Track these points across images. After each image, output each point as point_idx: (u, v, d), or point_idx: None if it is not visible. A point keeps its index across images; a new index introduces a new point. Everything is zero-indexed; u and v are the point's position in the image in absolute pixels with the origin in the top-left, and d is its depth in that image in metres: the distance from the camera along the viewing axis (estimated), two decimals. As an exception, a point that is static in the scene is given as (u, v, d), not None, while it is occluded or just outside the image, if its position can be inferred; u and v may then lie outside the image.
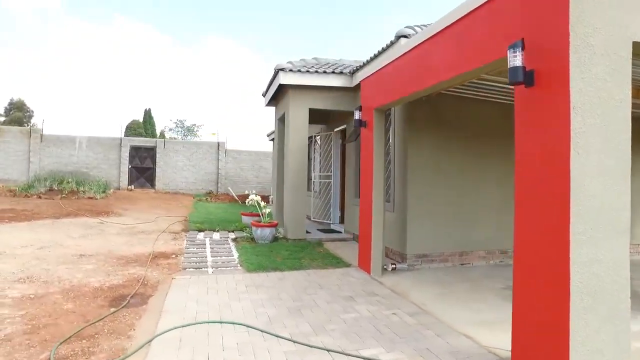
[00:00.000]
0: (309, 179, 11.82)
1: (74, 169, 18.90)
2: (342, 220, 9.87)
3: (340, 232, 9.06)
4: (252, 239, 8.12)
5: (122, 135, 20.78)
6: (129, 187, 19.63)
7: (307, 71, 7.91)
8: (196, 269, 5.93)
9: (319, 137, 10.50)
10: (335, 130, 9.83)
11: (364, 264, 6.10)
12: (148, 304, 4.37)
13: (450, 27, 4.14)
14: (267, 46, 70.36)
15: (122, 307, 4.18)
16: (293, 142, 8.09)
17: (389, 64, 5.37)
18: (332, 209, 9.85)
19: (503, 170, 6.90)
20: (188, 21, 66.18)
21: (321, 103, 8.26)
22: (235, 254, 6.90)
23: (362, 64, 7.76)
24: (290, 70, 7.84)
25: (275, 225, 7.97)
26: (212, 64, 68.60)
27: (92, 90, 63.75)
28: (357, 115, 6.11)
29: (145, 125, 45.99)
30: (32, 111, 44.38)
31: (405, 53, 4.99)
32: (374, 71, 5.84)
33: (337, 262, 6.62)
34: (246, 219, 9.55)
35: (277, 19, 70.05)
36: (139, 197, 17.57)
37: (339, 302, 4.60)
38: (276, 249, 7.28)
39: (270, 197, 17.72)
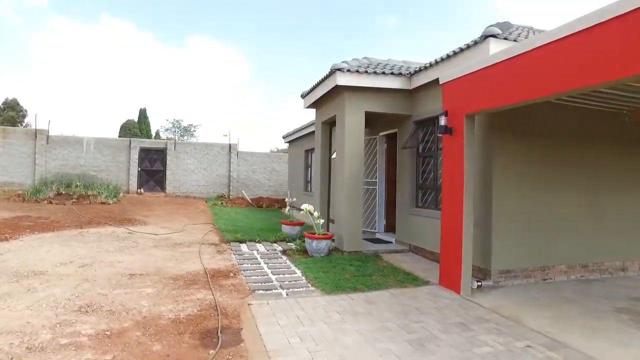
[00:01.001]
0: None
1: (81, 172, 17.95)
2: (388, 229, 9.27)
3: (391, 242, 8.45)
4: (304, 251, 7.48)
5: (131, 137, 19.85)
6: (139, 190, 18.74)
7: (365, 71, 7.28)
8: (265, 290, 5.26)
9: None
10: (380, 134, 9.22)
11: (449, 281, 5.51)
12: (245, 342, 3.71)
13: (590, 29, 3.59)
14: (257, 47, 69.27)
15: (219, 348, 3.51)
16: (349, 148, 7.45)
17: (492, 65, 4.78)
18: (377, 217, 9.24)
19: (585, 180, 6.39)
20: (175, 21, 64.71)
21: (377, 106, 7.64)
22: (297, 271, 6.24)
23: (424, 65, 7.16)
24: (348, 70, 7.20)
25: (331, 237, 7.33)
26: (205, 64, 67.38)
27: (85, 90, 62.09)
28: (442, 121, 5.51)
29: (140, 126, 44.86)
30: (26, 111, 42.87)
31: (518, 55, 4.40)
32: (465, 72, 5.24)
33: (412, 279, 6.01)
34: (287, 229, 8.89)
35: (270, 21, 69.06)
36: (151, 201, 16.74)
37: (456, 332, 4.02)
38: (338, 264, 6.64)
39: (287, 200, 17.05)
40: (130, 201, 15.97)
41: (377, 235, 9.19)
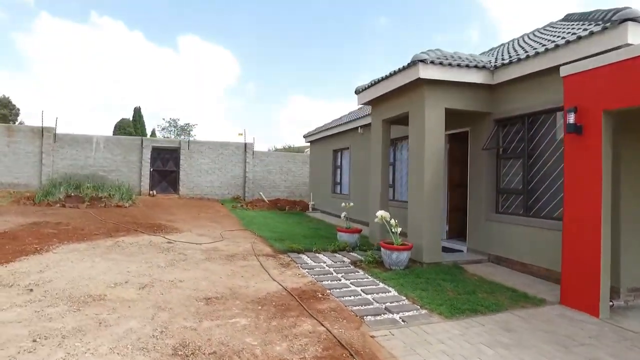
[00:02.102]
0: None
1: (90, 172, 16.79)
2: (452, 236, 8.48)
3: (461, 251, 7.65)
4: (377, 262, 6.64)
5: (143, 137, 18.69)
6: (151, 192, 17.64)
7: (449, 64, 6.45)
8: (374, 316, 4.40)
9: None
10: (445, 133, 8.39)
11: (579, 301, 4.71)
12: (414, 398, 2.84)
13: None
14: (249, 47, 67.90)
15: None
16: (430, 148, 6.62)
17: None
18: (442, 225, 8.41)
19: None
20: (165, 20, 62.87)
21: (457, 102, 6.82)
22: (390, 288, 5.37)
23: (516, 58, 6.37)
24: (432, 62, 6.36)
25: (411, 248, 6.48)
26: (196, 64, 65.87)
27: (76, 89, 60.05)
28: (571, 118, 4.70)
29: (135, 125, 43.50)
30: (18, 109, 41.13)
31: None
32: (607, 62, 4.44)
33: (522, 296, 5.19)
34: (346, 237, 8.02)
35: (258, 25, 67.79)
36: (168, 204, 15.69)
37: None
38: (428, 278, 5.80)
39: (311, 204, 16.17)
40: (146, 204, 14.90)
41: (443, 243, 8.34)
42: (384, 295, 5.13)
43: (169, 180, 18.20)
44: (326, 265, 6.57)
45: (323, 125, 17.21)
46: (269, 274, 5.92)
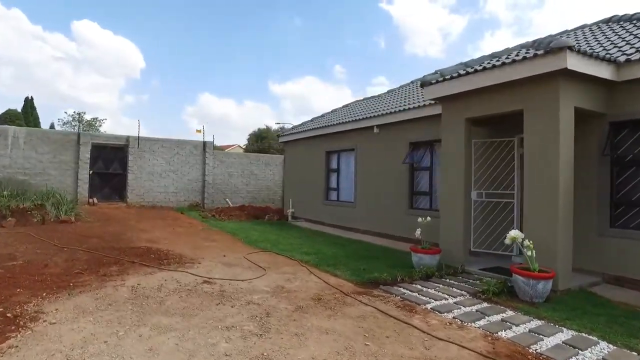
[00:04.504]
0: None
1: (4, 176, 12.38)
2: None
3: (557, 271, 6.52)
4: (504, 293, 5.14)
5: (81, 131, 14.59)
6: (91, 200, 13.75)
7: (590, 55, 5.20)
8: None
9: (477, 144, 7.74)
10: (519, 136, 7.23)
11: None
12: None
13: None
14: (154, 39, 61.73)
15: None
16: (565, 151, 5.32)
17: None
18: (514, 238, 7.22)
19: None
20: (59, 7, 53.92)
21: (582, 101, 5.61)
22: (591, 337, 3.88)
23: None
24: (578, 51, 5.05)
25: (554, 275, 5.09)
26: (96, 54, 57.72)
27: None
28: None
29: (26, 117, 36.40)
30: None
31: None
32: None
33: None
34: (427, 259, 6.36)
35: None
36: (120, 215, 12.24)
37: None
38: (594, 313, 4.48)
39: (290, 211, 14.05)
40: (96, 217, 11.34)
41: (515, 259, 7.17)
42: (597, 348, 3.64)
43: (114, 185, 14.44)
44: (458, 303, 4.84)
45: (302, 125, 15.21)
46: (420, 331, 4.00)
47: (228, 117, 69.68)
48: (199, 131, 16.03)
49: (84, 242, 7.79)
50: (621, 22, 7.95)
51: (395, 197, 9.92)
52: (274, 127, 40.31)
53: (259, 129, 40.23)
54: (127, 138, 14.67)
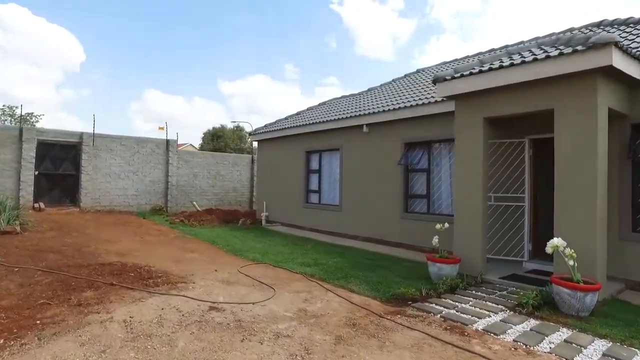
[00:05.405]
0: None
1: None
2: (535, 256, 7.08)
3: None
4: (548, 306, 4.73)
5: (24, 126, 12.54)
6: (36, 205, 11.83)
7: (634, 55, 4.93)
8: None
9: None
10: (529, 137, 6.95)
11: None
12: None
13: None
14: (94, 30, 57.31)
15: None
16: (602, 151, 5.02)
17: None
18: (524, 242, 6.95)
19: None
20: None
21: (614, 100, 5.37)
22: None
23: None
24: (621, 48, 4.74)
25: (600, 287, 4.73)
26: (29, 42, 52.40)
27: None
28: None
29: None
30: None
31: None
32: None
33: None
34: (448, 269, 5.84)
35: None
36: (75, 222, 10.61)
37: None
38: None
39: (264, 215, 13.07)
40: (48, 225, 9.65)
41: (527, 265, 6.90)
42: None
43: (65, 187, 12.56)
44: (504, 321, 4.32)
45: (276, 122, 14.28)
46: (490, 363, 3.40)
47: (176, 115, 66.25)
48: (162, 128, 14.83)
49: (39, 259, 6.40)
50: (615, 26, 7.98)
51: (387, 200, 9.37)
52: (229, 125, 38.86)
53: (214, 128, 38.51)
54: (81, 135, 12.84)
